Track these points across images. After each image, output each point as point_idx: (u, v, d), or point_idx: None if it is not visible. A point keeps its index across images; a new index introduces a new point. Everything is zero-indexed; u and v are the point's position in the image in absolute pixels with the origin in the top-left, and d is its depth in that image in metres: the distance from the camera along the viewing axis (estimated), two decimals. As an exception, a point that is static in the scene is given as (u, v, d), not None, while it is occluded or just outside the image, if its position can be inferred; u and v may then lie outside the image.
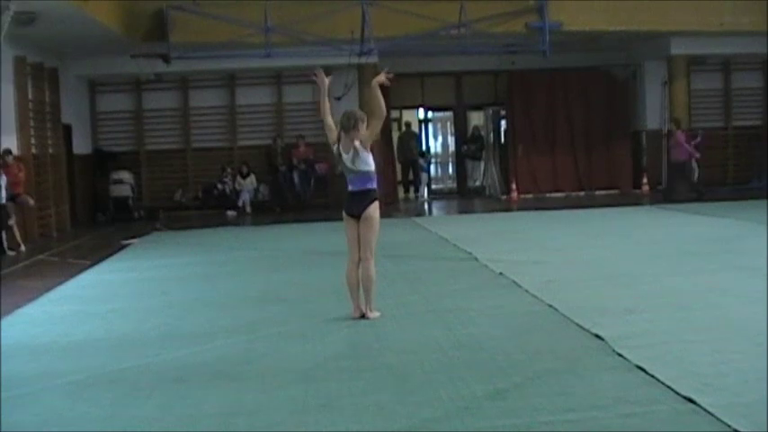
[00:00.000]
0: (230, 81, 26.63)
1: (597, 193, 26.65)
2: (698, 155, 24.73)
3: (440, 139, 32.58)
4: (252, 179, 25.82)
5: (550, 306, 9.38)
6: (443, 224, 19.80)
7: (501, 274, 11.83)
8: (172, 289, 12.17)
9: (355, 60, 23.04)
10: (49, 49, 21.65)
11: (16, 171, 18.40)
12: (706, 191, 24.36)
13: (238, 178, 25.72)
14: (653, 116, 27.81)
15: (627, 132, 27.78)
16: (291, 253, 15.91)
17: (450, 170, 31.29)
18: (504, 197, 26.85)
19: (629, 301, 9.44)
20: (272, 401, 6.44)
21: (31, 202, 19.01)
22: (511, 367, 6.98)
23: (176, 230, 21.30)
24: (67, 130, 23.96)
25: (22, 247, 18.00)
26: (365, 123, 9.32)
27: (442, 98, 29.23)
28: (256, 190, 26.04)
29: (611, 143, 27.38)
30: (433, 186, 30.62)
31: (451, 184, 30.68)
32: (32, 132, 20.69)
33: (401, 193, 28.71)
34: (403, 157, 28.71)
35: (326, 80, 9.61)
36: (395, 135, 28.74)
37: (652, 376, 6.47)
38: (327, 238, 17.06)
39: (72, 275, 14.00)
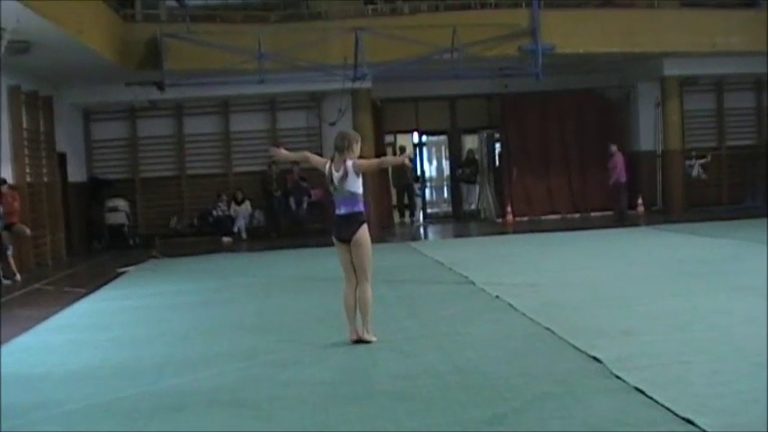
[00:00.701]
0: (224, 108, 26.68)
1: (592, 214, 26.68)
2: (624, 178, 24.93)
3: (434, 162, 32.63)
4: (247, 205, 25.81)
5: (547, 329, 9.37)
6: (439, 248, 19.79)
7: (497, 297, 11.83)
8: (168, 316, 12.15)
9: (349, 85, 23.08)
10: (44, 77, 21.68)
11: (11, 200, 18.36)
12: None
13: (233, 204, 25.71)
14: (646, 137, 27.89)
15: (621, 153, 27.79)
16: (287, 279, 15.89)
17: (446, 194, 31.33)
18: (499, 220, 26.86)
19: (627, 323, 9.44)
20: (269, 428, 6.42)
21: (28, 231, 18.95)
22: (509, 391, 6.96)
23: (172, 257, 21.27)
24: (62, 158, 23.95)
25: (18, 276, 17.94)
26: (359, 144, 9.40)
27: (436, 122, 29.25)
28: (252, 216, 26.02)
29: (605, 165, 27.38)
30: (429, 210, 30.56)
31: (447, 208, 30.69)
32: (27, 161, 20.68)
33: (396, 218, 28.75)
34: (398, 181, 28.74)
35: (281, 151, 10.12)
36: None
37: (650, 398, 6.46)
38: (323, 263, 17.05)
39: (68, 304, 13.97)
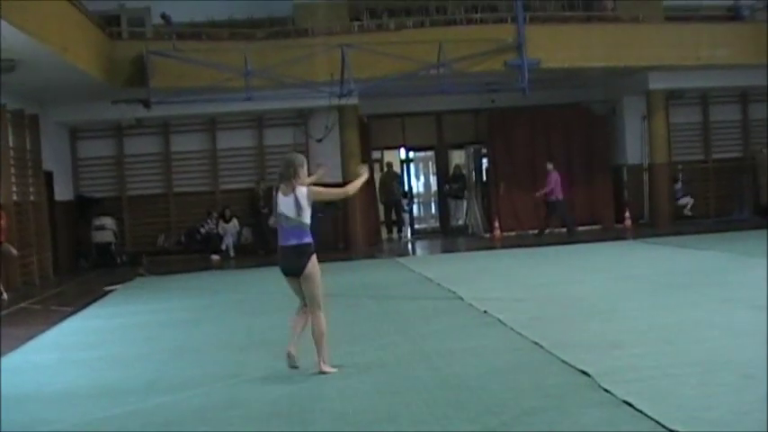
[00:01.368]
0: (211, 125, 26.66)
1: (579, 228, 26.71)
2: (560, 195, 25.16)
3: (422, 178, 32.68)
4: (235, 223, 25.77)
5: (536, 343, 9.36)
6: (427, 264, 19.80)
7: (485, 312, 11.82)
8: (156, 335, 12.12)
9: (335, 102, 23.11)
10: (30, 95, 21.65)
11: (-2, 219, 18.32)
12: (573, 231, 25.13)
13: (221, 222, 25.66)
14: (633, 151, 27.96)
15: (607, 167, 27.90)
16: (275, 296, 15.81)
17: (433, 209, 31.35)
18: (487, 235, 26.87)
19: (615, 336, 9.44)
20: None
21: (14, 252, 18.86)
22: (498, 406, 6.95)
23: (160, 275, 21.23)
24: (49, 176, 23.89)
25: (5, 296, 17.89)
26: (305, 167, 8.84)
27: (423, 138, 29.28)
28: (239, 233, 25.98)
29: (593, 178, 27.49)
30: (416, 226, 30.63)
31: (434, 224, 30.72)
32: (14, 180, 20.65)
33: (384, 234, 28.74)
34: (385, 197, 28.77)
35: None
36: (377, 176, 28.81)
37: (640, 411, 6.45)
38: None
39: (55, 323, 13.93)
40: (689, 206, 27.60)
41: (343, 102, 23.37)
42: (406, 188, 29.85)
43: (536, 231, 25.50)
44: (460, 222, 29.31)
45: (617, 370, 7.82)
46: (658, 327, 9.93)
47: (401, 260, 21.33)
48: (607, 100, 28.35)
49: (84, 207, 25.94)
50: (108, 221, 25.43)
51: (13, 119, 21.04)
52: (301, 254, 8.71)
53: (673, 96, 27.23)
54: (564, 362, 8.35)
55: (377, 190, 28.14)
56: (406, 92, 25.02)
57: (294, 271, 8.77)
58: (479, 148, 28.48)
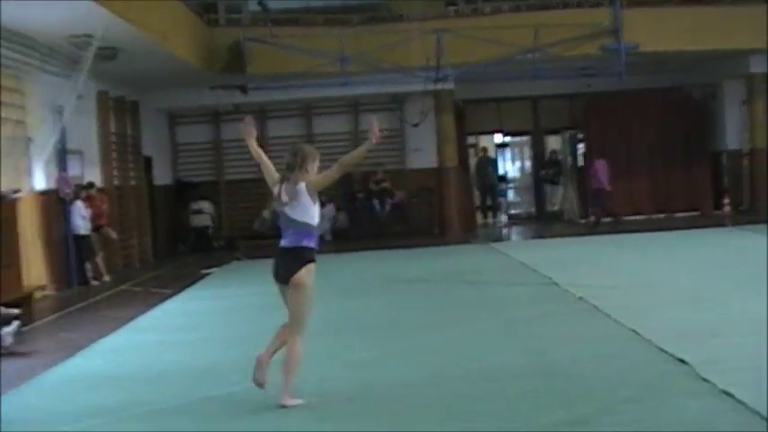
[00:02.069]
0: (307, 110, 26.84)
1: (677, 215, 26.30)
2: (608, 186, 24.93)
3: (517, 163, 32.49)
4: (330, 207, 25.90)
5: (632, 330, 9.26)
6: (522, 249, 19.71)
7: (581, 298, 11.73)
8: (254, 317, 12.22)
9: (431, 87, 23.10)
10: (130, 83, 22.03)
11: (99, 203, 18.74)
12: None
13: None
14: (732, 136, 27.40)
15: (706, 153, 27.39)
16: (370, 280, 15.94)
17: (529, 195, 31.14)
18: (582, 221, 26.62)
19: (714, 326, 9.30)
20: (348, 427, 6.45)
21: (114, 235, 19.30)
22: (593, 393, 6.90)
23: (256, 259, 21.45)
24: (148, 161, 24.35)
25: (106, 278, 18.30)
26: (316, 162, 7.62)
27: (519, 123, 29.12)
28: (335, 218, 26.13)
29: (690, 164, 27.00)
30: (512, 211, 30.50)
31: (530, 209, 30.51)
32: (115, 164, 21.07)
33: (479, 219, 28.64)
34: (480, 182, 28.69)
35: (251, 131, 8.15)
36: (472, 161, 28.77)
37: (740, 402, 6.33)
38: (407, 264, 17.06)
39: (154, 304, 14.20)
40: None
41: (439, 87, 23.37)
42: (502, 173, 29.72)
43: (592, 221, 25.18)
44: (556, 208, 29.08)
45: (716, 359, 7.67)
46: (758, 316, 9.73)
47: (496, 245, 21.26)
48: (706, 84, 27.79)
49: (183, 191, 26.34)
50: (205, 206, 25.78)
51: (115, 105, 21.46)
52: (296, 258, 7.35)
53: (774, 80, 26.60)
54: (662, 350, 8.23)
55: (472, 175, 28.08)
56: (502, 77, 24.88)
57: (282, 276, 7.43)
58: (575, 134, 28.21)
